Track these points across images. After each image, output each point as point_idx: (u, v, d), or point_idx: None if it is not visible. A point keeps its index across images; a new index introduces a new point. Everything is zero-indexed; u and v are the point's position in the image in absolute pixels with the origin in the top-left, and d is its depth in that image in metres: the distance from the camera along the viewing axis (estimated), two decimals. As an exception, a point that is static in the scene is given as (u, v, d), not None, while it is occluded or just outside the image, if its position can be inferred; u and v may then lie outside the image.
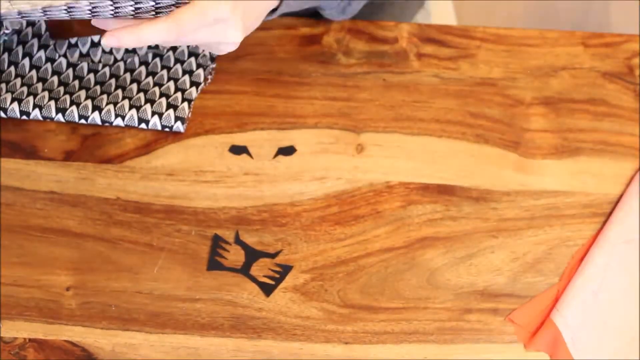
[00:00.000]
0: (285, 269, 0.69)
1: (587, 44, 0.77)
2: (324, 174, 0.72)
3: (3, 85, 0.73)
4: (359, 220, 0.70)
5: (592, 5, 1.43)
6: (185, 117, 0.73)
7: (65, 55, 0.75)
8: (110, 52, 0.75)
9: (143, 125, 0.73)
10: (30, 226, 0.70)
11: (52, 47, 0.75)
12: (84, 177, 0.72)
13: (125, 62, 0.75)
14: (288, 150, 0.73)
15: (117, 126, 0.73)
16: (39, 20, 0.75)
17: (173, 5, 0.59)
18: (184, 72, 0.74)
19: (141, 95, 0.73)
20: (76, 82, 0.74)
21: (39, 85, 0.74)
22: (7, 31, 0.74)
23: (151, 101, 0.73)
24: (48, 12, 0.58)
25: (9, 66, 0.75)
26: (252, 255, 0.69)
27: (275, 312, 0.68)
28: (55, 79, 0.74)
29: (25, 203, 0.71)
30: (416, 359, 0.67)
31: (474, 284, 0.69)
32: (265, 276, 0.69)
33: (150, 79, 0.74)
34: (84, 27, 0.75)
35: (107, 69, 0.75)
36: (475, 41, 0.76)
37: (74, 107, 0.73)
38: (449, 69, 0.76)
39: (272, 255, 0.69)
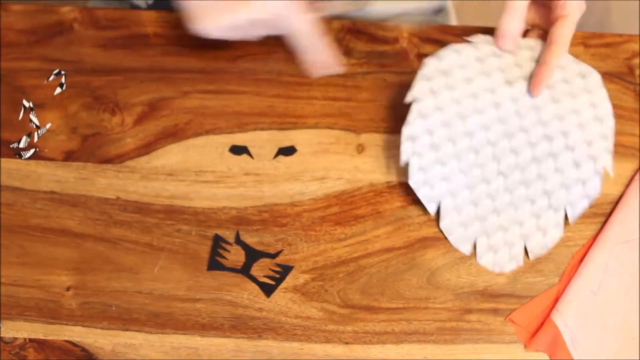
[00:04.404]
0: (286, 269, 0.69)
1: (587, 44, 0.76)
2: (325, 174, 0.72)
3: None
4: (360, 221, 0.70)
5: (592, 5, 1.43)
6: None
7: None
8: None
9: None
10: (30, 226, 0.70)
11: None
12: (84, 177, 0.72)
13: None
14: (288, 150, 0.73)
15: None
16: None
17: None
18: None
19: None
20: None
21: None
22: None
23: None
24: None
25: None
26: (253, 255, 0.69)
27: (275, 312, 0.68)
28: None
29: (25, 203, 0.71)
30: (416, 359, 0.67)
31: (474, 284, 0.69)
32: (265, 276, 0.69)
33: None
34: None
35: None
36: (475, 41, 0.76)
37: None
38: (449, 69, 0.75)
39: (273, 256, 0.69)
